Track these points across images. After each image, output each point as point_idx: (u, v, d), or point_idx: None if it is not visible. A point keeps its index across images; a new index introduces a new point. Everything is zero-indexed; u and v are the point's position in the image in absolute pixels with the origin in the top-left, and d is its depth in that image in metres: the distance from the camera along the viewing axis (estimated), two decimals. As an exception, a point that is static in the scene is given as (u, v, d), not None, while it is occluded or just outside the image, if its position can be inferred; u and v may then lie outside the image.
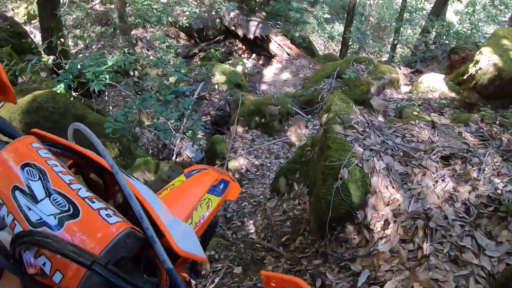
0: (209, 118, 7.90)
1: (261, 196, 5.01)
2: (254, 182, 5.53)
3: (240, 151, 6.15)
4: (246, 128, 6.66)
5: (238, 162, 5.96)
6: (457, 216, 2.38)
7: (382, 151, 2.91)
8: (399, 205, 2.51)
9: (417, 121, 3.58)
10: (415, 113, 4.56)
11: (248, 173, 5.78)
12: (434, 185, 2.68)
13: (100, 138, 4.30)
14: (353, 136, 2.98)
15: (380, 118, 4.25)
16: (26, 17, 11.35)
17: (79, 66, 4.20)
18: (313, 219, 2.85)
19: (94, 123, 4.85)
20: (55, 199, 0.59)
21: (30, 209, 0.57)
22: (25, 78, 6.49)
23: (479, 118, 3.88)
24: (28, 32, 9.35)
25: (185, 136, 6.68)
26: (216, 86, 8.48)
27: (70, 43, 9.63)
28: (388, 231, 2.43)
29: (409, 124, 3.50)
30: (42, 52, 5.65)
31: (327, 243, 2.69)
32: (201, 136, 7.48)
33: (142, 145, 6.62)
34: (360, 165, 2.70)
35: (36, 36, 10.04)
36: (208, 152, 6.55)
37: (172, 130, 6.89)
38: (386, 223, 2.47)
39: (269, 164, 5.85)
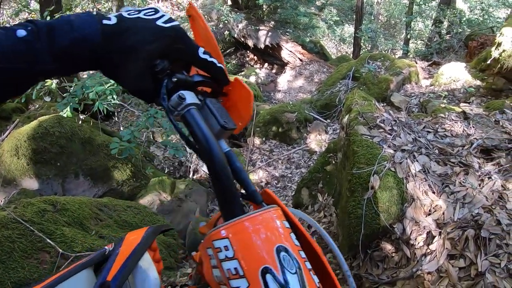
0: (225, 132, 7.65)
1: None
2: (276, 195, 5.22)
3: (258, 163, 5.86)
4: (263, 138, 6.38)
5: (257, 175, 5.67)
6: (512, 220, 2.01)
7: (415, 150, 2.55)
8: (443, 213, 2.14)
9: (446, 113, 3.21)
10: (442, 105, 4.17)
11: (269, 186, 5.48)
12: (480, 185, 2.31)
13: (110, 160, 4.12)
14: (381, 137, 2.63)
15: (405, 115, 3.89)
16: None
17: (82, 88, 4.05)
18: (342, 237, 2.48)
19: (102, 145, 4.70)
20: None
21: None
22: (36, 105, 6.43)
23: (513, 104, 3.52)
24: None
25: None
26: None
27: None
28: (432, 246, 2.05)
29: (439, 118, 3.14)
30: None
31: (360, 263, 2.31)
32: (218, 151, 7.28)
33: (158, 164, 6.39)
34: (393, 169, 2.33)
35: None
36: (225, 167, 6.28)
37: (186, 147, 6.72)
38: (430, 237, 2.09)
39: (290, 175, 5.54)
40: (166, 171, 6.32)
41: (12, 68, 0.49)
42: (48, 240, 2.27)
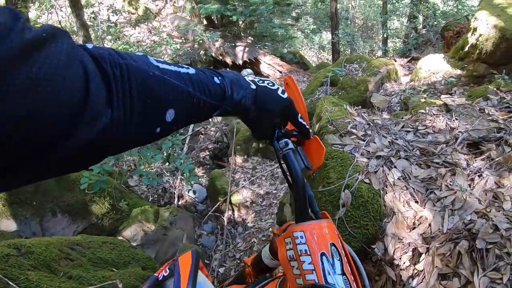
0: (208, 153, 7.41)
1: (270, 229, 4.47)
2: (262, 214, 4.96)
3: (241, 182, 5.58)
4: (245, 156, 6.11)
5: (242, 195, 5.38)
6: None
7: (392, 155, 2.26)
8: (429, 224, 1.82)
9: (427, 108, 2.95)
10: (423, 100, 3.91)
11: (254, 205, 5.20)
12: (470, 186, 2.02)
13: (86, 194, 3.93)
14: (353, 144, 2.34)
15: (385, 116, 3.61)
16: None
17: None
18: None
19: (77, 180, 4.47)
20: (345, 280, 0.73)
21: (329, 274, 0.72)
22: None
23: (496, 88, 3.27)
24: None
25: (183, 177, 6.25)
26: (210, 119, 8.00)
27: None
28: (420, 265, 1.73)
29: (419, 114, 2.87)
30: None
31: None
32: (202, 173, 7.03)
33: (142, 192, 6.26)
34: (367, 180, 2.03)
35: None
36: (209, 189, 6.01)
37: (166, 173, 6.46)
38: (416, 254, 1.77)
39: (275, 191, 5.26)
40: (150, 199, 6.15)
41: (209, 101, 0.68)
42: (13, 285, 2.10)
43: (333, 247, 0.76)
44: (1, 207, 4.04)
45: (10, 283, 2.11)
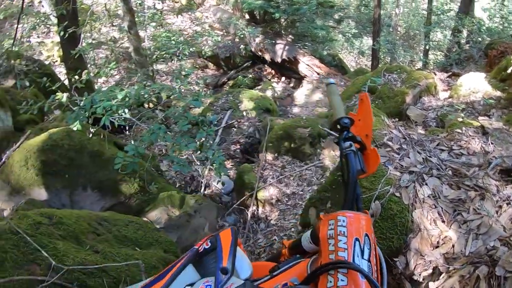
0: (239, 147, 7.52)
1: (293, 229, 4.54)
2: (286, 213, 5.04)
3: (269, 179, 5.67)
4: (276, 154, 6.19)
5: (268, 192, 5.47)
6: (534, 255, 1.75)
7: (425, 172, 2.32)
8: (453, 245, 1.89)
9: (463, 128, 2.97)
10: (460, 119, 3.89)
11: (279, 203, 5.28)
12: (497, 212, 2.06)
13: (118, 174, 4.07)
14: (387, 157, 2.41)
15: (420, 131, 3.63)
16: (58, 59, 11.64)
17: (91, 102, 4.09)
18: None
19: (111, 158, 4.58)
20: (369, 266, 0.83)
21: (357, 256, 0.83)
22: (50, 118, 6.47)
23: (536, 116, 3.24)
24: (58, 72, 9.48)
25: (212, 167, 6.37)
26: (244, 113, 8.12)
27: (99, 80, 9.74)
28: (437, 283, 1.81)
29: (455, 134, 2.90)
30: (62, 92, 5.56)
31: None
32: (231, 166, 7.15)
33: (169, 178, 6.35)
34: (398, 194, 2.11)
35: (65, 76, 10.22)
36: (236, 182, 6.13)
37: (197, 161, 6.60)
38: (436, 273, 1.84)
39: (301, 192, 5.33)
40: (177, 185, 6.22)
41: None
42: (44, 252, 2.23)
43: (366, 237, 0.85)
44: (35, 177, 4.21)
45: (40, 249, 2.22)
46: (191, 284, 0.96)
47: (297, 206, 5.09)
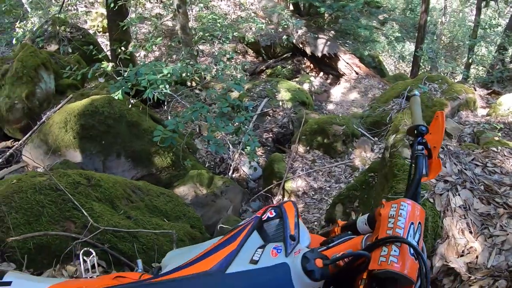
0: (271, 135, 7.65)
1: (316, 223, 4.65)
2: (310, 207, 5.17)
3: (299, 171, 5.81)
4: (308, 148, 6.31)
5: (296, 183, 5.62)
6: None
7: (459, 183, 2.42)
8: (477, 256, 2.00)
9: (499, 147, 3.00)
10: (496, 138, 3.90)
11: (305, 196, 5.42)
12: (523, 232, 2.16)
13: (153, 146, 4.17)
14: (424, 164, 2.51)
15: (454, 144, 3.68)
16: (101, 29, 11.95)
17: (135, 74, 4.22)
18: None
19: (148, 130, 4.80)
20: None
21: (410, 236, 0.94)
22: (91, 85, 6.70)
23: None
24: (101, 42, 9.75)
25: (243, 152, 6.50)
26: (280, 103, 8.22)
27: (137, 53, 9.95)
28: (457, 290, 1.93)
29: (490, 151, 2.94)
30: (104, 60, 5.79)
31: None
32: (261, 153, 7.29)
33: (200, 157, 6.48)
34: (431, 200, 2.22)
35: (108, 46, 10.51)
36: (265, 170, 6.29)
37: (229, 144, 6.76)
38: (458, 280, 1.95)
39: (328, 188, 5.45)
40: (206, 165, 6.37)
41: None
42: (84, 211, 2.35)
43: (419, 225, 0.98)
44: (72, 139, 4.37)
45: (80, 208, 2.34)
46: (262, 247, 1.07)
47: (323, 201, 5.20)
